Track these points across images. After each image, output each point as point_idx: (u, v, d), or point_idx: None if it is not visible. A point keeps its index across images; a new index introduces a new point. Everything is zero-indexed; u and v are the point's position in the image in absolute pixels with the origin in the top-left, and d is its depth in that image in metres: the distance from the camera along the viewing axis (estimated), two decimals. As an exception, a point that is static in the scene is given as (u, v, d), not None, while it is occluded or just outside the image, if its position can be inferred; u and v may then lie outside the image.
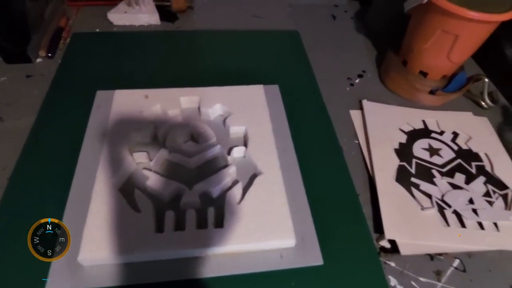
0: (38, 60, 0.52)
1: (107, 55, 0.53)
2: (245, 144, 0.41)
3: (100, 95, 0.45)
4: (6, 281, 0.31)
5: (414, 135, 0.47)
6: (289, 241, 0.33)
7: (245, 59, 0.56)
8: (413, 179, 0.42)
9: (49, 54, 0.52)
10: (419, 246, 0.36)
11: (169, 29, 0.60)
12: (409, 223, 0.38)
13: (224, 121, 0.43)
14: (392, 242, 0.37)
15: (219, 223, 0.34)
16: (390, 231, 0.37)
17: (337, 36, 0.64)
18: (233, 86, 0.46)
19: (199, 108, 0.44)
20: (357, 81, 0.56)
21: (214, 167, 0.39)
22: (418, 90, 0.51)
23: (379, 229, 0.38)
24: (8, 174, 0.38)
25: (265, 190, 0.36)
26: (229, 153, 0.39)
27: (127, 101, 0.43)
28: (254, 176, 0.38)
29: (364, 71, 0.57)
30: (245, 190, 0.36)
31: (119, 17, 0.58)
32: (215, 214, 0.34)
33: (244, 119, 0.42)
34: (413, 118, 0.50)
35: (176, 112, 0.43)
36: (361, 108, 0.50)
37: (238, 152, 0.40)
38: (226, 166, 0.38)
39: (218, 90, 0.45)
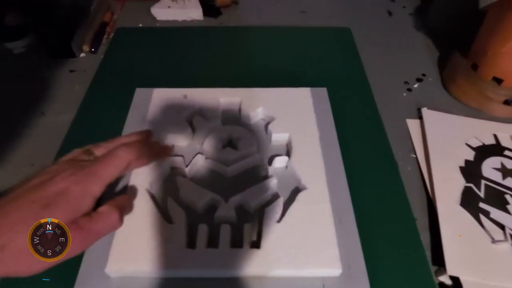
0: (82, 55, 0.51)
1: (149, 51, 0.52)
2: (288, 154, 0.37)
3: (139, 92, 0.43)
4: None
5: (484, 151, 0.41)
6: (334, 270, 0.29)
7: (291, 58, 0.52)
8: (482, 205, 0.36)
9: (93, 49, 0.51)
10: (488, 287, 0.31)
11: (212, 24, 0.58)
12: (477, 258, 0.32)
13: (266, 126, 0.39)
14: (455, 279, 0.31)
15: (256, 242, 0.30)
16: (453, 266, 0.31)
17: (393, 35, 0.58)
18: (277, 88, 0.42)
19: (239, 110, 0.41)
20: (415, 86, 0.50)
21: (253, 177, 0.35)
22: (489, 99, 0.45)
23: (438, 261, 0.33)
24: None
25: (309, 208, 0.32)
26: (270, 163, 0.36)
27: (165, 101, 0.40)
28: (296, 190, 0.34)
29: (424, 75, 0.51)
30: (286, 206, 0.33)
31: (162, 12, 0.57)
32: (251, 232, 0.31)
33: (288, 125, 0.38)
34: (483, 131, 0.43)
35: (215, 114, 0.40)
36: (420, 117, 0.45)
37: (280, 162, 0.36)
38: (266, 177, 0.35)
39: (260, 92, 0.42)
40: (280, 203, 0.32)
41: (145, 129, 0.36)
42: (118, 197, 0.28)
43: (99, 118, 0.43)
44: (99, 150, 0.29)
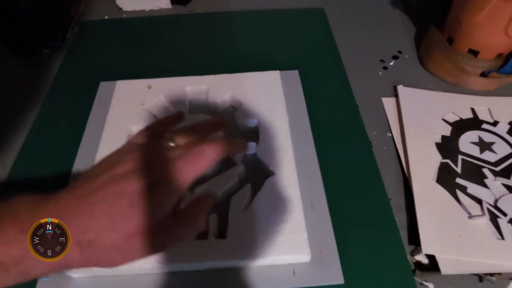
0: (46, 51, 0.49)
1: (115, 44, 0.50)
2: (257, 140, 0.36)
3: (104, 86, 0.41)
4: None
5: (461, 126, 0.40)
6: (303, 257, 0.28)
7: (264, 42, 0.50)
8: (458, 180, 0.35)
9: (56, 45, 0.49)
10: (464, 264, 0.30)
11: (181, 12, 0.56)
12: (453, 235, 0.31)
13: (233, 113, 0.38)
14: (431, 257, 0.31)
15: (221, 233, 0.29)
16: (429, 244, 0.31)
17: (368, 12, 0.56)
18: (245, 73, 0.41)
19: (207, 99, 0.39)
20: (391, 63, 0.48)
21: (221, 166, 0.34)
22: (466, 72, 0.43)
23: (414, 240, 0.32)
24: (7, 173, 0.36)
25: (277, 194, 0.31)
26: (237, 150, 0.35)
27: (129, 93, 0.39)
28: (265, 177, 0.33)
29: (400, 52, 0.50)
30: (254, 193, 0.31)
31: (128, 2, 0.54)
32: (217, 222, 0.30)
33: (256, 110, 0.37)
34: (460, 105, 0.42)
35: (181, 103, 0.39)
36: (396, 95, 0.43)
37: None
38: (233, 165, 0.34)
39: (228, 78, 0.41)
40: (246, 190, 0.31)
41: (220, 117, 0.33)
42: (201, 197, 0.25)
43: (63, 115, 0.41)
44: (180, 139, 0.26)
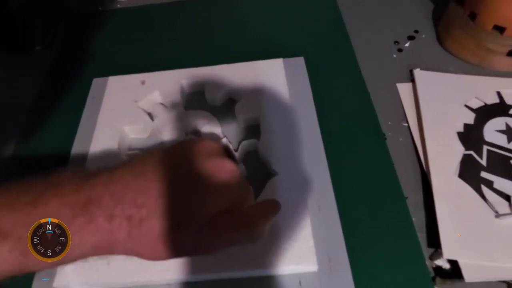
0: (37, 47, 0.47)
1: (110, 37, 0.48)
2: (258, 136, 0.33)
3: (97, 83, 0.39)
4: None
5: (486, 112, 0.36)
6: (310, 266, 0.25)
7: (266, 27, 0.47)
8: (483, 174, 0.32)
9: (48, 41, 0.47)
10: (491, 270, 0.27)
11: (178, -1, 0.53)
12: (478, 237, 0.28)
13: (233, 107, 0.35)
14: (453, 262, 0.28)
15: (220, 241, 0.27)
16: (450, 248, 0.28)
17: (381, -11, 0.52)
18: (245, 62, 0.38)
19: (204, 92, 0.37)
20: (407, 44, 0.44)
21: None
22: (491, 51, 0.39)
23: (434, 243, 0.29)
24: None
25: (279, 196, 0.28)
26: (237, 148, 0.32)
27: (121, 90, 0.37)
28: (267, 177, 0.30)
29: (416, 31, 0.45)
30: (256, 195, 0.29)
31: (122, -9, 0.52)
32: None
33: (257, 103, 0.34)
34: (484, 89, 0.38)
35: (176, 99, 0.36)
36: (413, 80, 0.40)
37: (247, 146, 0.32)
38: (233, 165, 0.31)
39: (227, 68, 0.37)
40: (247, 193, 0.29)
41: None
42: (269, 202, 0.24)
43: (55, 115, 0.39)
44: None
